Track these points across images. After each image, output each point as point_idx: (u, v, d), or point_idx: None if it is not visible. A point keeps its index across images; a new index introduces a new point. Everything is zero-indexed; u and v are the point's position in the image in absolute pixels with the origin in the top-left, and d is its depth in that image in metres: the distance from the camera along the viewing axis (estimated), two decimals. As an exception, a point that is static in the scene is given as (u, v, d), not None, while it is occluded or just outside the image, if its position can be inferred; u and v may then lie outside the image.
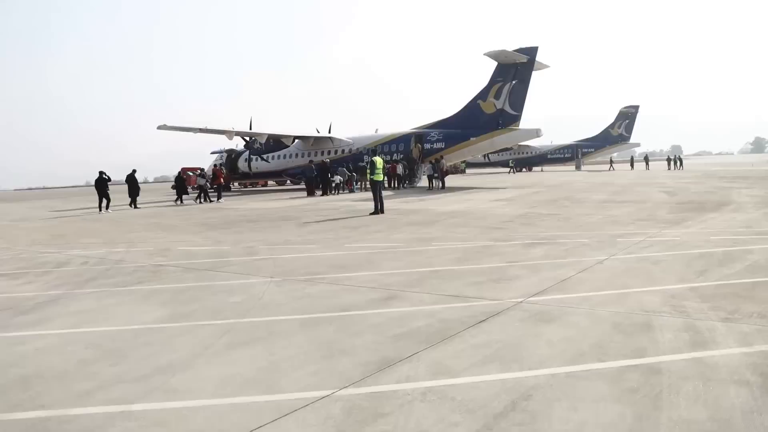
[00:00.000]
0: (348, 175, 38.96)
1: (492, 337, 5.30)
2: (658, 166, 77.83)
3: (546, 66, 39.97)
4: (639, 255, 9.28)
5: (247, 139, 47.84)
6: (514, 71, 37.19)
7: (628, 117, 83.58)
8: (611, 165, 78.87)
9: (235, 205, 29.69)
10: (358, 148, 44.71)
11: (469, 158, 62.63)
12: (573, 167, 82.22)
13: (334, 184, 37.16)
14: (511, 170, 78.36)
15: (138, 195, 31.85)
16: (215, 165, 48.54)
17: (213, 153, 56.87)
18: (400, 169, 39.70)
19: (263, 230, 15.77)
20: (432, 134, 41.70)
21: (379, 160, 20.54)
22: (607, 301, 6.42)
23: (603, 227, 13.04)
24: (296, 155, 47.53)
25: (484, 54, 36.57)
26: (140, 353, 5.37)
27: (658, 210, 16.66)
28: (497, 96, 37.86)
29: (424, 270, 8.84)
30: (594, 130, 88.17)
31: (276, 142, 46.78)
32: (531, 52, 36.69)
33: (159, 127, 39.42)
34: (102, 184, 28.97)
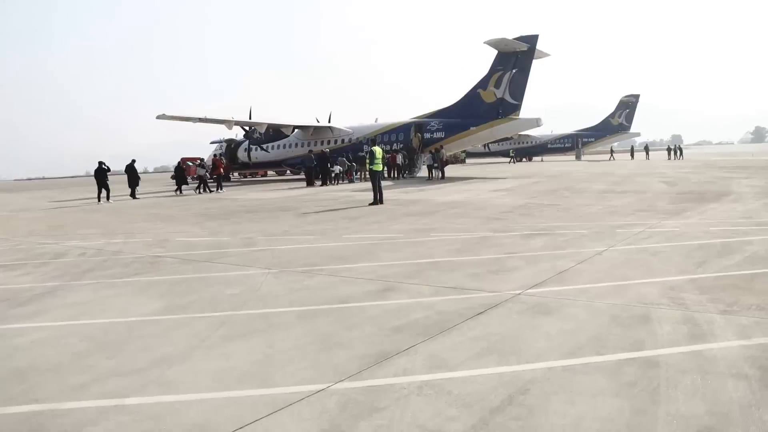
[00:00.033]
0: (348, 165, 38.88)
1: (490, 330, 5.27)
2: (659, 155, 77.68)
3: (546, 54, 39.79)
4: (638, 246, 9.25)
5: (247, 128, 47.70)
6: (515, 60, 37.05)
7: (628, 106, 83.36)
8: (612, 155, 78.72)
9: (234, 195, 29.65)
10: (357, 138, 44.60)
11: (469, 148, 62.50)
12: (573, 157, 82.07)
13: (333, 174, 37.08)
14: (512, 160, 78.22)
15: (137, 185, 31.78)
16: (215, 155, 48.48)
17: (212, 143, 56.76)
18: (399, 158, 39.60)
19: (262, 221, 15.74)
20: (432, 124, 41.58)
21: (378, 150, 20.47)
22: (605, 293, 6.39)
23: (602, 218, 13.01)
24: (296, 145, 47.44)
25: (484, 42, 36.40)
26: (136, 346, 5.34)
27: (657, 200, 16.62)
28: (497, 85, 37.73)
29: (423, 261, 8.80)
30: (594, 119, 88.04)
31: (275, 132, 46.68)
32: (531, 40, 36.52)
33: (158, 117, 39.29)
34: (101, 174, 28.89)
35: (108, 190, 28.68)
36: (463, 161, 79.19)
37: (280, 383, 4.28)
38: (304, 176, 39.49)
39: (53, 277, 8.97)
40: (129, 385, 4.36)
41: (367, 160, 20.85)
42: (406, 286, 7.20)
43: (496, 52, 37.53)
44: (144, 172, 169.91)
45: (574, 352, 4.63)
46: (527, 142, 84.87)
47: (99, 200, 28.30)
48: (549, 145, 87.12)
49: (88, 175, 53.90)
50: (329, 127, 46.44)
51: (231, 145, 51.51)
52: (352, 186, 32.87)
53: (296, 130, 46.91)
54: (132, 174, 31.94)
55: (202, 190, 33.67)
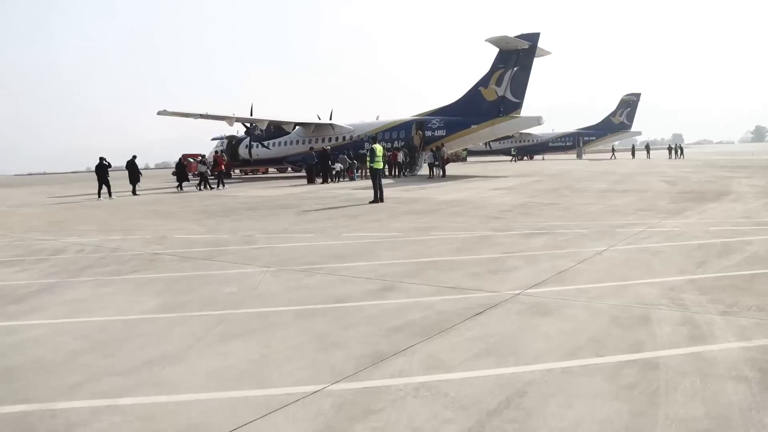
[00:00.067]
0: (349, 163, 38.81)
1: (488, 331, 5.23)
2: (659, 154, 77.60)
3: (548, 53, 39.67)
4: (638, 246, 9.21)
5: (248, 125, 47.63)
6: (516, 58, 36.96)
7: (629, 105, 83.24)
8: (613, 153, 78.62)
9: (234, 192, 29.63)
10: (359, 135, 44.52)
11: (470, 146, 62.41)
12: (574, 155, 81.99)
13: (334, 172, 37.01)
14: (514, 158, 78.14)
15: (138, 181, 31.75)
16: (216, 152, 48.43)
17: (214, 139, 56.67)
18: (401, 156, 39.52)
19: (262, 218, 15.71)
20: (433, 121, 41.49)
21: (379, 148, 20.42)
22: (605, 294, 6.35)
23: (603, 217, 12.96)
24: (297, 142, 47.39)
25: (486, 40, 36.30)
26: (131, 345, 5.30)
27: (658, 200, 16.58)
28: (498, 83, 37.65)
29: (423, 260, 8.76)
30: (594, 117, 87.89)
31: (277, 129, 46.61)
32: (533, 38, 36.43)
33: (159, 113, 39.22)
34: (102, 170, 28.85)
35: (109, 186, 28.63)
36: (464, 159, 79.09)
37: (275, 384, 4.24)
38: (305, 174, 39.41)
39: (50, 274, 8.93)
40: (123, 385, 4.32)
41: (368, 158, 20.80)
42: (405, 285, 7.16)
43: (497, 50, 37.44)
44: (145, 168, 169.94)
45: (573, 354, 4.59)
46: (528, 141, 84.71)
47: (99, 196, 28.25)
48: (550, 144, 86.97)
49: (89, 171, 53.87)
50: (330, 124, 46.36)
51: (232, 142, 51.46)
52: (353, 184, 32.83)
53: (297, 128, 46.86)
54: (133, 170, 31.90)
55: (203, 187, 33.63)
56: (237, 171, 55.62)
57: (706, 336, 4.91)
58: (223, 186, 34.41)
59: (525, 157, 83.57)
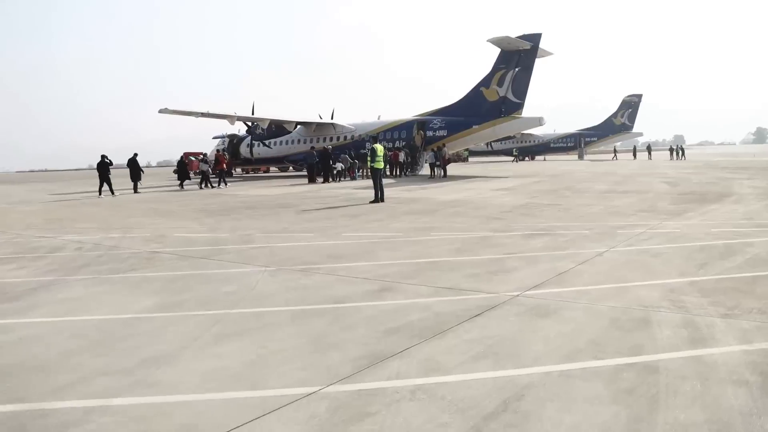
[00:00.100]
0: (350, 162, 38.76)
1: (486, 333, 5.18)
2: (661, 156, 77.52)
3: (549, 53, 39.61)
4: (639, 247, 9.16)
5: (250, 124, 47.58)
6: (517, 58, 36.89)
7: (631, 106, 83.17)
8: (615, 154, 78.58)
9: (234, 191, 29.59)
10: (360, 135, 44.48)
11: (471, 146, 62.37)
12: (576, 156, 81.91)
13: (335, 171, 36.96)
14: (515, 159, 78.08)
15: (140, 179, 31.73)
16: (218, 150, 48.38)
17: (215, 138, 56.63)
18: (402, 156, 39.47)
19: (262, 217, 15.66)
20: (434, 121, 41.44)
21: (379, 148, 20.38)
22: (605, 296, 6.30)
23: (604, 218, 12.91)
24: (298, 141, 47.36)
25: (487, 40, 36.23)
26: (126, 344, 5.26)
27: (659, 201, 16.52)
28: (500, 83, 37.59)
29: (422, 261, 8.72)
30: (595, 117, 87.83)
31: (278, 128, 46.56)
32: (534, 38, 36.36)
33: (161, 111, 39.20)
34: (104, 168, 28.83)
35: (110, 184, 28.59)
36: (465, 160, 79.03)
37: (270, 385, 4.19)
38: (306, 173, 39.36)
39: (47, 272, 8.89)
40: (116, 385, 4.28)
41: (369, 158, 20.77)
42: (403, 286, 7.11)
43: (499, 50, 37.38)
44: (147, 166, 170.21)
45: (572, 357, 4.53)
46: (530, 141, 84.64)
47: (100, 194, 28.22)
48: (551, 145, 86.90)
49: (91, 169, 53.90)
50: (332, 123, 46.31)
51: (233, 141, 51.43)
52: (354, 183, 32.79)
53: (299, 127, 46.82)
54: (134, 168, 31.89)
55: (204, 186, 33.60)
56: (238, 170, 55.60)
57: (706, 339, 4.86)
58: (225, 185, 34.37)
59: (526, 158, 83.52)
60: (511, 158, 78.80)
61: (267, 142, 48.48)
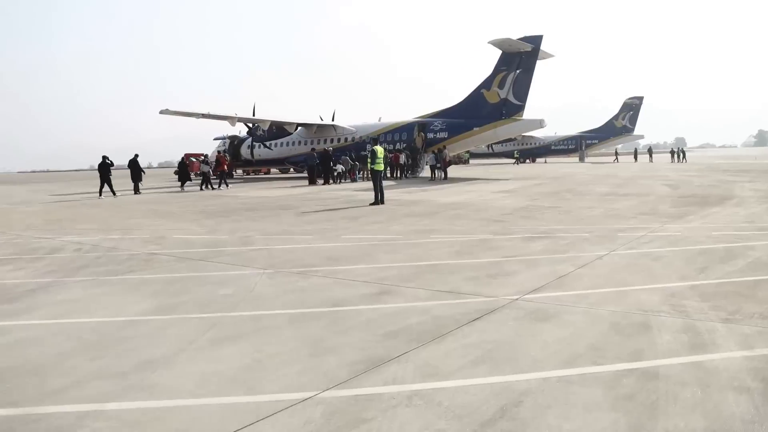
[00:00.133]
0: (351, 164, 38.71)
1: (485, 337, 5.14)
2: (662, 158, 77.48)
3: (551, 55, 39.58)
4: (639, 251, 9.11)
5: (250, 125, 47.56)
6: (519, 60, 36.85)
7: (632, 108, 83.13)
8: (616, 157, 78.55)
9: (235, 192, 29.56)
10: (361, 137, 44.44)
11: (472, 149, 62.36)
12: (577, 158, 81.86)
13: (336, 173, 36.90)
14: (517, 161, 78.07)
15: (141, 180, 31.71)
16: (218, 151, 48.37)
17: (216, 139, 56.59)
18: (402, 158, 39.43)
19: (261, 219, 15.63)
20: (435, 123, 41.41)
21: (380, 150, 20.33)
22: (605, 300, 6.26)
23: (604, 221, 12.86)
24: (299, 143, 47.32)
25: (488, 42, 36.21)
26: (122, 347, 5.21)
27: (660, 203, 16.47)
28: (501, 85, 37.54)
29: (421, 264, 8.67)
30: (596, 118, 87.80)
31: (279, 130, 46.52)
32: (535, 40, 36.33)
33: (162, 112, 39.18)
34: (105, 168, 28.81)
35: (111, 185, 28.57)
36: (466, 162, 79.00)
37: (266, 390, 4.15)
38: (306, 174, 39.31)
39: (46, 273, 8.86)
40: (110, 389, 4.23)
41: (369, 160, 20.73)
42: (402, 289, 7.06)
43: (500, 52, 37.34)
44: (148, 167, 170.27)
45: (571, 362, 4.49)
46: (531, 144, 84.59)
47: (100, 195, 28.20)
48: (553, 147, 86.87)
49: (92, 169, 53.90)
50: (333, 125, 46.29)
51: (234, 142, 51.38)
52: (354, 185, 32.73)
53: (299, 128, 46.79)
54: (135, 169, 31.87)
55: (204, 187, 33.57)
56: (239, 171, 55.56)
57: (707, 344, 4.81)
58: (227, 186, 34.35)
59: (527, 160, 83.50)
60: (513, 160, 78.75)
61: (268, 143, 48.43)
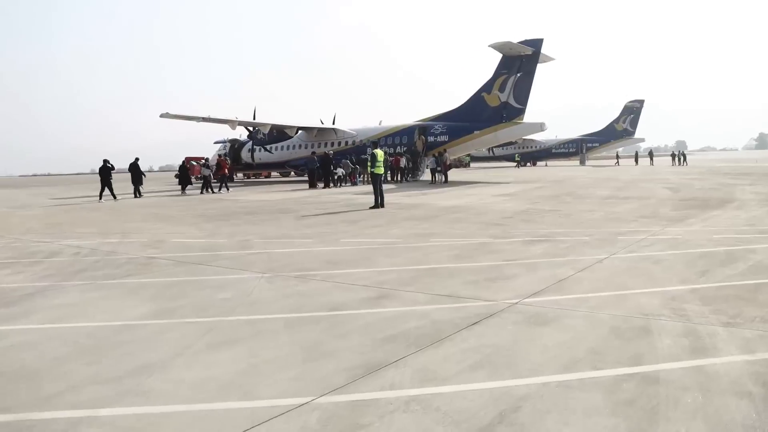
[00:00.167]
0: (351, 168, 38.67)
1: (483, 341, 5.09)
2: (662, 161, 77.45)
3: (551, 59, 39.51)
4: (640, 254, 9.07)
5: (251, 129, 47.52)
6: (519, 64, 36.80)
7: (632, 112, 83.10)
8: (617, 160, 78.52)
9: (235, 196, 29.54)
10: (361, 140, 44.38)
11: (473, 152, 62.35)
12: (577, 162, 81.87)
13: (336, 177, 36.87)
14: (518, 164, 78.08)
15: (141, 183, 31.70)
16: (219, 155, 48.27)
17: (216, 142, 56.58)
18: (403, 162, 39.40)
19: (261, 223, 15.59)
20: (436, 127, 41.36)
21: (379, 153, 20.29)
22: (605, 303, 6.21)
23: (605, 224, 12.82)
24: (299, 146, 47.26)
25: (489, 46, 36.19)
26: (118, 352, 5.17)
27: (661, 207, 16.43)
28: (502, 89, 37.50)
29: (420, 267, 8.63)
30: (596, 119, 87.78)
31: (279, 133, 46.46)
32: (536, 44, 36.28)
33: (162, 115, 39.15)
34: (105, 172, 28.79)
35: (111, 189, 28.56)
36: (467, 165, 79.00)
37: (262, 395, 4.11)
38: (307, 178, 39.26)
39: (43, 277, 8.82)
40: (105, 395, 4.19)
41: (369, 163, 20.67)
42: (401, 293, 7.02)
43: (500, 55, 37.31)
44: (149, 171, 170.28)
45: (571, 367, 4.44)
46: (532, 147, 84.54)
47: (101, 198, 28.19)
48: (553, 150, 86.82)
49: (93, 173, 53.89)
50: (333, 129, 46.25)
51: (234, 146, 51.33)
52: (354, 189, 32.68)
53: (300, 132, 46.75)
54: (135, 172, 31.84)
55: (205, 191, 33.55)
56: (239, 175, 55.53)
57: (708, 348, 4.77)
58: (227, 190, 34.33)
59: (528, 164, 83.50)
60: (514, 164, 78.76)
61: (268, 147, 48.38)
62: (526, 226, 12.94)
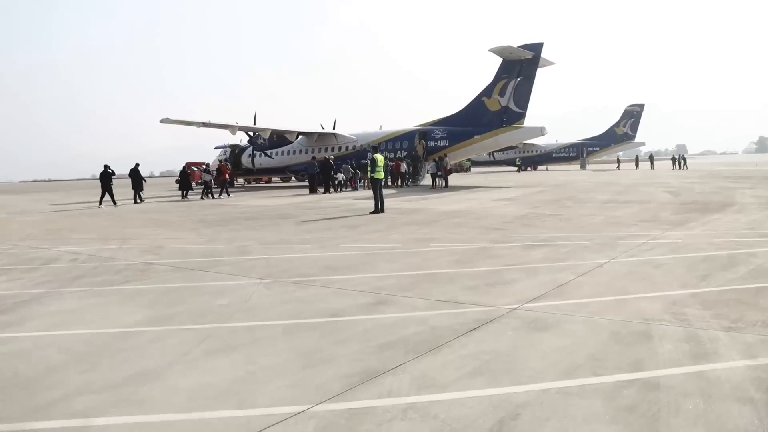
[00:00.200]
0: (352, 173, 38.65)
1: (483, 347, 5.04)
2: (663, 165, 77.44)
3: (551, 63, 39.54)
4: (640, 258, 9.02)
5: (251, 134, 47.54)
6: (519, 68, 36.83)
7: (633, 116, 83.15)
8: (618, 164, 78.54)
9: (235, 201, 29.50)
10: (362, 145, 44.38)
11: (473, 156, 62.37)
12: (578, 166, 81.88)
13: (337, 182, 36.84)
14: (519, 168, 78.10)
15: (141, 189, 31.67)
16: (220, 160, 48.33)
17: (217, 148, 56.58)
18: (404, 166, 39.38)
19: (261, 228, 15.55)
20: (436, 131, 41.37)
21: (379, 158, 20.26)
22: (605, 308, 6.16)
23: (605, 229, 12.77)
24: (300, 151, 47.26)
25: (489, 50, 36.20)
26: (113, 360, 5.12)
27: (661, 211, 16.38)
28: (502, 93, 37.51)
29: (420, 273, 8.58)
30: (596, 122, 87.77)
31: (280, 138, 46.48)
32: (536, 48, 36.32)
33: (162, 121, 39.14)
34: (106, 177, 28.79)
35: (112, 194, 28.54)
36: (467, 170, 79.03)
37: (258, 404, 4.05)
38: (307, 183, 39.23)
39: (40, 284, 8.77)
40: (99, 404, 4.14)
41: (369, 168, 20.65)
42: (399, 299, 6.97)
43: (500, 59, 37.33)
44: (150, 176, 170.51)
45: (571, 373, 4.39)
46: (532, 151, 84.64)
47: (100, 204, 28.16)
48: (554, 155, 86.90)
49: (93, 178, 53.87)
50: (333, 133, 46.25)
51: (235, 151, 51.35)
52: (355, 194, 32.65)
53: (300, 137, 46.75)
54: (136, 178, 31.84)
55: (206, 196, 33.54)
56: (240, 180, 55.52)
57: (709, 353, 4.72)
58: (228, 195, 34.31)
59: (528, 168, 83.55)
60: (514, 168, 78.78)
61: (268, 152, 48.37)
62: (526, 231, 12.89)
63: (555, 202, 21.23)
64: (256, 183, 58.27)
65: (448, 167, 37.60)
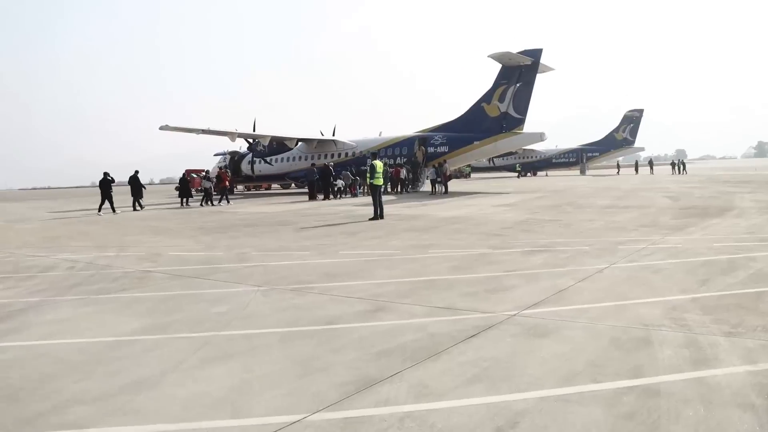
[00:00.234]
0: (351, 179, 38.61)
1: (481, 354, 5.00)
2: (662, 170, 77.44)
3: (551, 69, 39.53)
4: (640, 263, 8.98)
5: (251, 141, 47.51)
6: (519, 74, 36.81)
7: (632, 121, 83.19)
8: (618, 169, 78.56)
9: (234, 208, 29.46)
10: (361, 152, 44.35)
11: (473, 162, 62.34)
12: (578, 171, 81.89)
13: (336, 188, 36.80)
14: (519, 174, 78.10)
15: (141, 196, 31.64)
16: (219, 167, 48.23)
17: (216, 155, 56.55)
18: (403, 173, 39.35)
19: (259, 235, 15.51)
20: (436, 137, 41.33)
21: (378, 164, 20.22)
22: (605, 314, 6.12)
23: (605, 234, 12.73)
24: (299, 158, 47.22)
25: (489, 56, 36.22)
26: (108, 369, 5.07)
27: (661, 215, 16.35)
28: (501, 99, 37.48)
29: (419, 279, 8.54)
30: (595, 127, 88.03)
31: (279, 145, 46.43)
32: (535, 54, 36.31)
33: (161, 128, 39.10)
34: (105, 185, 28.76)
35: (111, 202, 28.51)
36: (467, 176, 79.01)
37: (253, 413, 4.01)
38: (307, 190, 39.19)
39: (37, 292, 8.73)
40: (92, 414, 4.09)
41: (368, 175, 20.62)
42: (398, 306, 6.92)
43: (500, 65, 37.33)
44: (150, 183, 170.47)
45: (570, 380, 4.35)
46: (532, 157, 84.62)
47: (99, 211, 28.13)
48: (553, 160, 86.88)
49: (93, 186, 53.85)
50: (333, 140, 46.23)
51: (234, 158, 51.31)
52: (354, 200, 32.61)
53: (300, 143, 46.71)
54: (135, 185, 31.80)
55: (205, 203, 33.51)
56: (239, 187, 55.48)
57: (709, 359, 4.68)
58: (228, 202, 34.28)
59: (528, 174, 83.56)
60: (514, 174, 78.79)
61: (268, 159, 48.34)
62: (526, 237, 12.85)
63: (555, 207, 21.20)
64: (256, 190, 58.22)
65: (448, 173, 37.56)
